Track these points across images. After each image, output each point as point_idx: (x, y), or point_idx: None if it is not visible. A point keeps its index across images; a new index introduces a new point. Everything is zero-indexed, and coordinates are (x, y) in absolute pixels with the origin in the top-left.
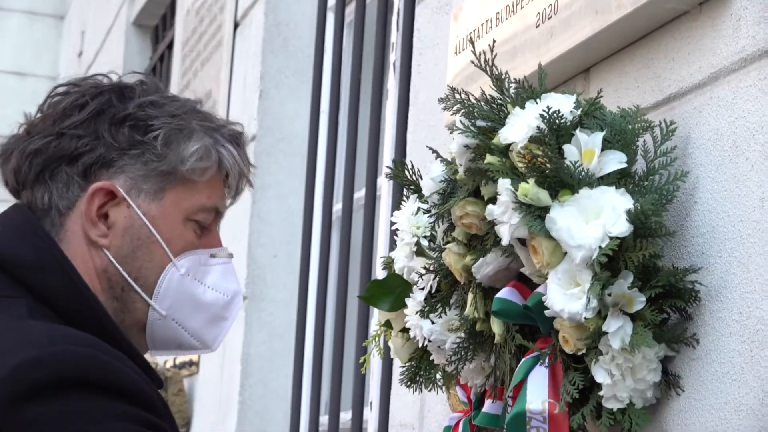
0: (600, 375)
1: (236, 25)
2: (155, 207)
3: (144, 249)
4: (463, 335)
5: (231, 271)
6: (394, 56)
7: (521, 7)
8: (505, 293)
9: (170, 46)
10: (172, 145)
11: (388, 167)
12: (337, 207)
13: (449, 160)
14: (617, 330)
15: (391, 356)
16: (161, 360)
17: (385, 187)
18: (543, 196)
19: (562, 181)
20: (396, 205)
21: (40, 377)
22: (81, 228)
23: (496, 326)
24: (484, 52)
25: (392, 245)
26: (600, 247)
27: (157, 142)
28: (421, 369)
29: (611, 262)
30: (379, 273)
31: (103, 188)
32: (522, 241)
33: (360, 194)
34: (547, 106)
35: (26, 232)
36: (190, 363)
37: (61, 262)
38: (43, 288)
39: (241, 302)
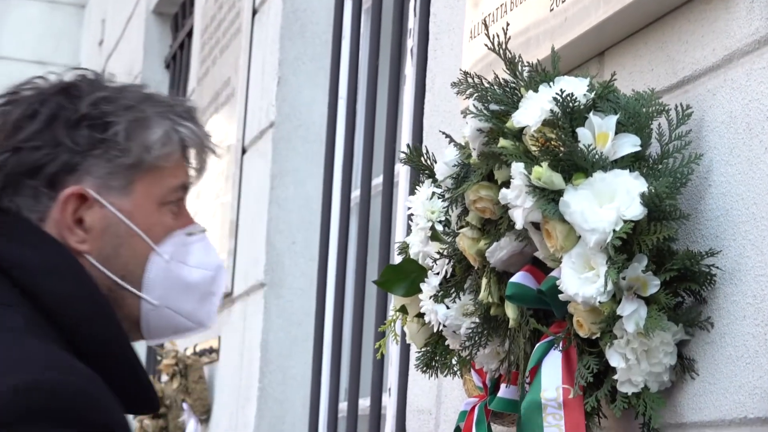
0: (614, 359)
1: (254, 12)
2: (128, 201)
3: (126, 245)
4: (477, 320)
5: (209, 245)
6: (411, 42)
7: None
8: (519, 277)
9: (190, 33)
10: (134, 137)
11: (404, 152)
12: (356, 193)
13: (463, 144)
14: (632, 314)
15: (407, 341)
16: (182, 348)
17: (403, 173)
18: (556, 179)
19: (576, 165)
20: (414, 191)
21: (32, 403)
22: (59, 237)
23: (511, 311)
24: (498, 36)
25: (410, 231)
26: (614, 230)
27: (119, 137)
28: (437, 354)
29: (625, 245)
30: (397, 259)
31: (74, 193)
32: (536, 225)
33: (378, 180)
34: (561, 90)
35: (28, 233)
36: (211, 350)
37: (74, 267)
38: (48, 295)
39: (225, 274)
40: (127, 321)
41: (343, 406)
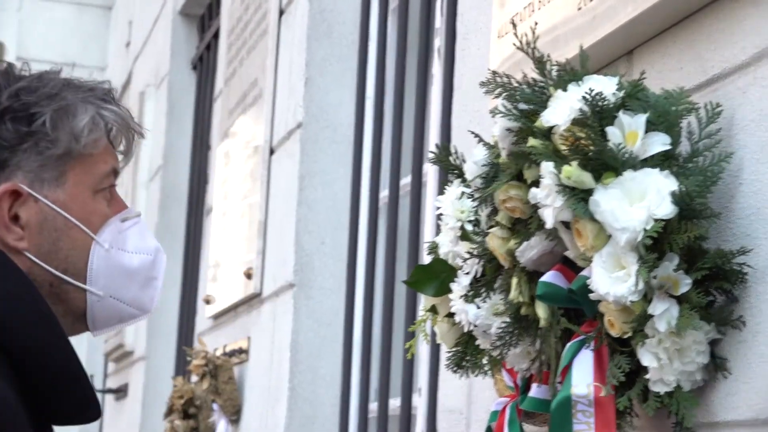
0: (646, 358)
1: (281, 13)
2: (62, 193)
3: (65, 238)
4: (508, 320)
5: (145, 228)
6: (438, 42)
7: None
8: (549, 277)
9: (216, 35)
10: (61, 127)
11: (433, 152)
12: (384, 193)
13: (492, 144)
14: (663, 313)
15: (437, 341)
16: (211, 348)
17: (431, 173)
18: (586, 178)
19: (606, 164)
20: (442, 191)
21: None
22: None
23: (541, 310)
24: (526, 35)
25: (438, 230)
26: (645, 229)
27: (46, 128)
28: (468, 354)
29: (656, 244)
30: (426, 259)
31: (6, 191)
32: (566, 224)
33: (406, 180)
34: (590, 89)
35: None
36: (240, 351)
37: (8, 266)
38: None
39: (164, 256)
40: (72, 315)
41: (373, 406)
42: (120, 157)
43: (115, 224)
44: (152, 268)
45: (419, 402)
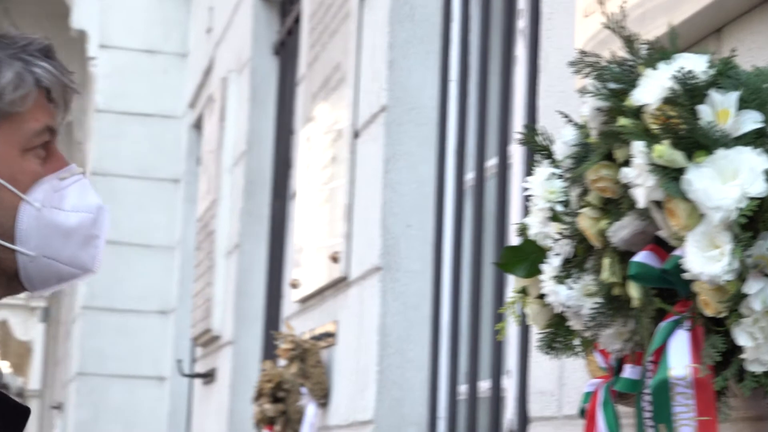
0: (742, 338)
1: None
2: None
3: None
4: (600, 300)
5: (86, 186)
6: (522, 22)
7: None
8: (641, 257)
9: (297, 19)
10: None
11: (521, 133)
12: (469, 175)
13: (581, 123)
14: (758, 292)
15: (528, 323)
16: (298, 332)
17: (516, 154)
18: (678, 157)
19: (697, 142)
20: (528, 172)
21: None
22: None
23: (634, 290)
24: (614, 14)
25: (526, 212)
26: (739, 208)
27: None
28: (559, 335)
29: (750, 223)
30: (513, 240)
31: None
32: (658, 204)
33: (491, 162)
34: (680, 67)
35: None
36: (327, 334)
37: None
38: None
39: (107, 214)
40: (5, 275)
41: (461, 388)
42: (57, 113)
43: (50, 183)
44: (93, 226)
45: (509, 384)
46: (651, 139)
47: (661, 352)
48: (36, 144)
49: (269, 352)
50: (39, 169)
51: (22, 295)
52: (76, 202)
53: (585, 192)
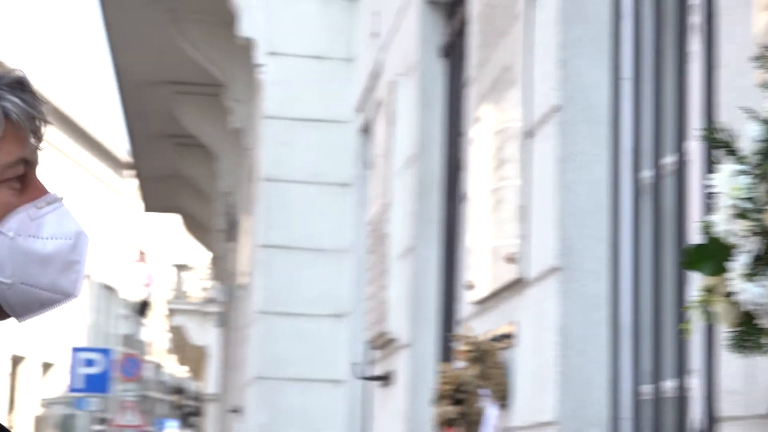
0: None
1: None
2: None
3: None
4: None
5: (65, 213)
6: (696, 18)
7: None
8: None
9: (464, 21)
10: None
11: (703, 129)
12: (644, 174)
13: (765, 119)
14: None
15: (715, 322)
16: (478, 332)
17: (694, 151)
18: None
19: None
20: (707, 169)
21: None
22: None
23: None
24: None
25: (707, 209)
26: None
27: None
28: (749, 334)
29: None
30: (694, 238)
31: None
32: None
33: (666, 160)
34: None
35: None
36: (505, 336)
37: None
38: None
39: (87, 239)
40: None
41: (645, 388)
42: (32, 145)
43: (26, 212)
44: (72, 252)
45: (696, 384)
46: None
47: None
48: (8, 176)
49: (445, 354)
50: (12, 200)
51: (197, 300)
52: (54, 230)
53: None
